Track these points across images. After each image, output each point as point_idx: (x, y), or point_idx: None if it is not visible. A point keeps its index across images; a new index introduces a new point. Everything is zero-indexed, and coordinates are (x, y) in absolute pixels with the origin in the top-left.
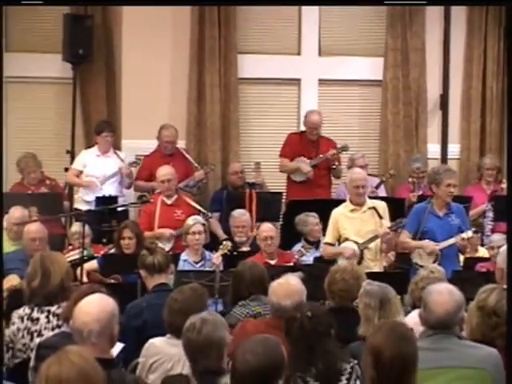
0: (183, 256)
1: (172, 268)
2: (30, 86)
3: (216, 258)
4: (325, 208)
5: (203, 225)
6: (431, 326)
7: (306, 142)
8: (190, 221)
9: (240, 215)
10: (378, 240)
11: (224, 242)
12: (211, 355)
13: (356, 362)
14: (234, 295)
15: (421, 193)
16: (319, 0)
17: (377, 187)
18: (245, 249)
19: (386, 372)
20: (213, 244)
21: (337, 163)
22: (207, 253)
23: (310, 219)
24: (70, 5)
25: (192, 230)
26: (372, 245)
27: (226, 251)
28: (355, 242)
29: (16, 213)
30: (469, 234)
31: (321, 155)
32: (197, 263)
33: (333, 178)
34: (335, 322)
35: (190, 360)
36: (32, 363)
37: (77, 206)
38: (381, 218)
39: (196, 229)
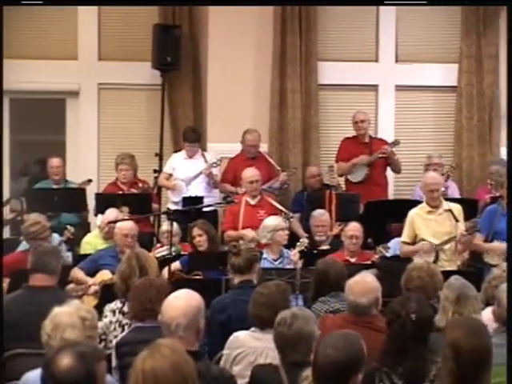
0: (263, 254)
1: (257, 267)
2: (122, 92)
3: (293, 254)
4: (401, 209)
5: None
6: (505, 322)
7: (358, 144)
8: (274, 220)
9: (320, 215)
10: (453, 242)
11: (301, 240)
12: (300, 349)
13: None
14: (316, 291)
15: (498, 194)
16: (318, 0)
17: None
18: (324, 247)
19: (465, 365)
20: (292, 243)
21: (395, 158)
22: (285, 250)
23: None
24: (71, 5)
25: (280, 227)
26: (447, 246)
27: (303, 248)
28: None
29: (111, 215)
30: None
31: (375, 153)
32: (275, 260)
33: (414, 180)
34: None
35: (279, 353)
36: (114, 363)
37: (168, 205)
38: (457, 220)
39: (283, 225)
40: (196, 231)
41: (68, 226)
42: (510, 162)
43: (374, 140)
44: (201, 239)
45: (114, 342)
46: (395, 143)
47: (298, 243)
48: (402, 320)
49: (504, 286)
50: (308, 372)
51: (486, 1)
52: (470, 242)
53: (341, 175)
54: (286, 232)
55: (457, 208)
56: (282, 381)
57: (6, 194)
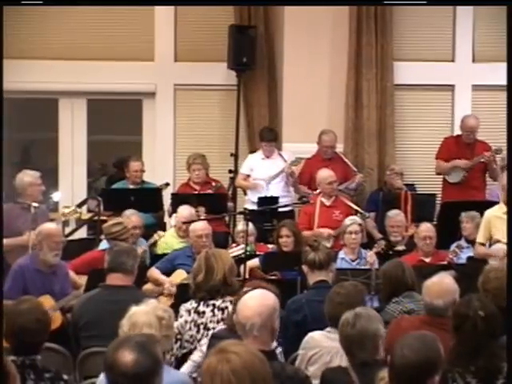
0: (341, 254)
1: (333, 266)
2: (198, 93)
3: (370, 256)
4: (478, 209)
5: (360, 225)
6: None
7: (461, 145)
8: (348, 221)
9: (395, 215)
10: None
11: (378, 242)
12: (367, 348)
13: None
14: (388, 292)
15: None
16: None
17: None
18: (400, 248)
19: None
20: (369, 243)
21: (494, 166)
22: (363, 251)
23: (464, 218)
24: (71, 5)
25: (349, 230)
26: None
27: (380, 250)
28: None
29: (184, 212)
30: None
31: (476, 157)
32: (353, 261)
33: (489, 180)
34: None
35: (346, 353)
36: (204, 351)
37: (246, 206)
38: None
39: (353, 228)
40: (285, 231)
41: (159, 232)
42: (510, 161)
43: (477, 142)
44: (288, 240)
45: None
46: (498, 151)
47: (376, 245)
48: (473, 319)
49: None
50: (384, 373)
51: (486, 1)
52: None
53: (438, 174)
54: (355, 235)
55: None
56: (352, 382)
57: (83, 195)
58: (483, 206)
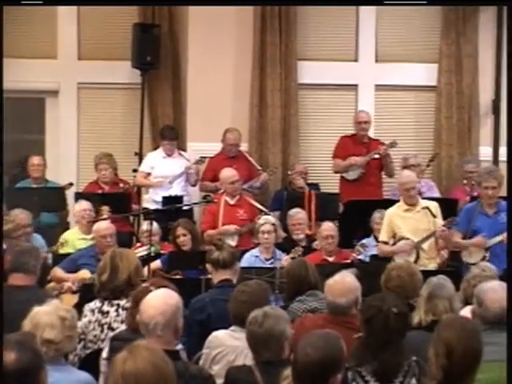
0: (255, 252)
1: (237, 265)
2: (102, 92)
3: (285, 260)
4: (381, 208)
5: (273, 224)
6: (488, 321)
7: (357, 143)
8: (261, 220)
9: (296, 213)
10: (433, 238)
11: (296, 247)
12: (272, 347)
13: (414, 358)
14: (292, 291)
15: (475, 194)
16: (317, 0)
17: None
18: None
19: (458, 363)
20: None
21: (389, 161)
22: (278, 252)
23: (373, 216)
24: (71, 5)
25: (262, 229)
26: (426, 245)
27: (295, 255)
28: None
29: (80, 206)
30: None
31: (371, 152)
32: (268, 260)
33: (385, 177)
34: None
35: (252, 351)
36: (106, 354)
37: (147, 205)
38: (434, 216)
39: (266, 228)
40: (180, 230)
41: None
42: (510, 161)
43: (372, 140)
44: (185, 239)
45: (110, 334)
46: (392, 144)
47: (293, 250)
48: (386, 314)
49: (484, 286)
50: (289, 371)
51: (485, 1)
52: (449, 237)
53: (336, 172)
54: (268, 235)
55: (433, 205)
56: (256, 380)
57: None
58: (386, 204)
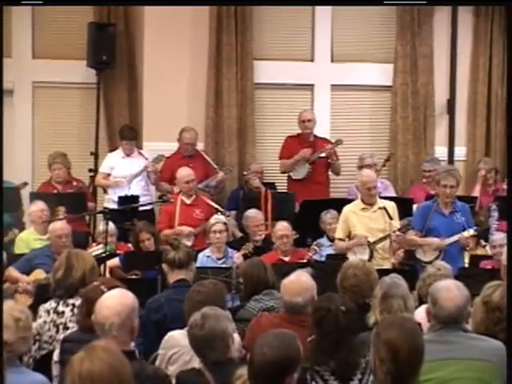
0: (207, 252)
1: (193, 265)
2: (57, 91)
3: (237, 257)
4: (337, 207)
5: (224, 224)
6: (442, 321)
7: (302, 142)
8: (212, 220)
9: (256, 214)
10: (387, 240)
11: (247, 244)
12: (217, 347)
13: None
14: (249, 290)
15: (433, 192)
16: (318, 0)
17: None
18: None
19: (404, 366)
20: (234, 242)
21: (334, 158)
22: (230, 250)
23: (324, 217)
24: (70, 5)
25: (213, 229)
26: (380, 245)
27: (247, 252)
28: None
29: (35, 206)
30: (470, 232)
31: (317, 151)
32: (219, 259)
33: (349, 179)
34: None
35: (198, 355)
36: (57, 357)
37: (106, 205)
38: (391, 218)
39: (217, 227)
40: (144, 235)
41: (14, 229)
42: (509, 161)
43: (317, 139)
44: (150, 243)
45: (61, 336)
46: (338, 142)
47: (244, 246)
48: (334, 313)
49: (438, 285)
50: (242, 370)
51: (486, 1)
52: (403, 241)
53: (283, 172)
54: (219, 235)
55: (391, 206)
56: (207, 382)
57: None
58: (342, 203)
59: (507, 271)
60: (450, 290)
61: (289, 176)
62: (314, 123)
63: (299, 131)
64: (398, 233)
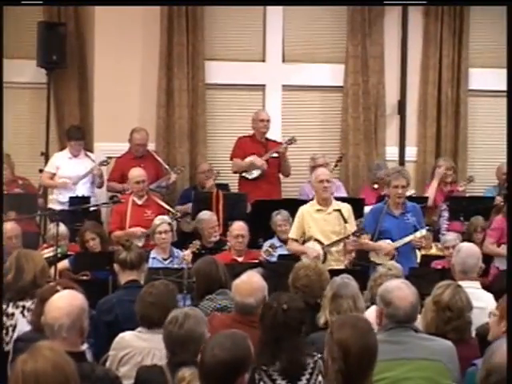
0: (152, 254)
1: (145, 265)
2: (6, 91)
3: (187, 255)
4: (289, 208)
5: (169, 224)
6: (398, 320)
7: (255, 142)
8: (157, 221)
9: (211, 217)
10: (341, 243)
11: (194, 241)
12: (190, 349)
13: (320, 356)
14: (202, 290)
15: (383, 193)
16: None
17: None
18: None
19: (355, 364)
20: (180, 242)
21: (285, 160)
22: (175, 250)
23: (275, 218)
24: (69, 5)
25: (158, 230)
26: (334, 249)
27: (195, 249)
28: (319, 242)
29: None
30: (423, 232)
31: (270, 151)
32: (165, 260)
33: (301, 179)
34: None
35: (168, 351)
36: (11, 357)
37: (51, 206)
38: (345, 221)
39: (162, 228)
40: (89, 235)
41: None
42: (509, 161)
43: (269, 141)
44: (95, 243)
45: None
46: (291, 141)
47: (191, 244)
48: (274, 310)
49: (389, 286)
50: (185, 372)
51: (486, 1)
52: (357, 245)
53: (235, 172)
54: (165, 235)
55: (346, 208)
56: (167, 381)
57: None
58: (295, 204)
59: (507, 271)
60: (402, 289)
61: (241, 176)
62: (269, 123)
63: (251, 132)
64: (352, 238)
